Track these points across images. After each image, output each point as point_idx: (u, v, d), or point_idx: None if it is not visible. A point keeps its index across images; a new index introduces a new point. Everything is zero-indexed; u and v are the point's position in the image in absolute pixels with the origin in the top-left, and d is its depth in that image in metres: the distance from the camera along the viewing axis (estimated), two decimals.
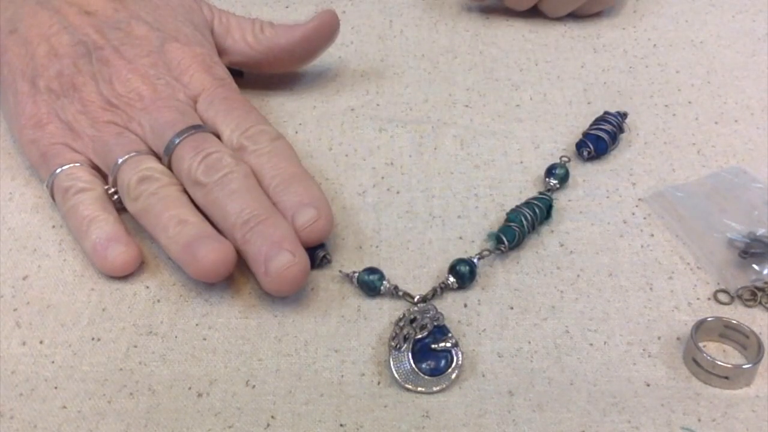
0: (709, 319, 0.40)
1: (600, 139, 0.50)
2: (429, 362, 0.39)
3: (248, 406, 0.38)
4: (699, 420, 0.37)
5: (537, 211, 0.45)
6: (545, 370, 0.39)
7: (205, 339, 0.41)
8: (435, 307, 0.41)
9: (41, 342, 0.41)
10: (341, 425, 0.37)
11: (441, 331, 0.40)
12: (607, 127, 0.51)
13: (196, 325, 0.41)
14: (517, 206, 0.46)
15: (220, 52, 0.53)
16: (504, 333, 0.41)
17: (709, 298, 0.42)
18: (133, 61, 0.48)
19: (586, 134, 0.51)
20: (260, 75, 0.58)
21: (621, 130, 0.51)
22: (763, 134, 0.52)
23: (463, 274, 0.43)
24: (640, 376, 0.39)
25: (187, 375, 0.39)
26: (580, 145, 0.50)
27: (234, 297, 0.43)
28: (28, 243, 0.46)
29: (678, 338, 0.40)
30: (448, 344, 0.39)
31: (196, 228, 0.42)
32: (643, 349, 0.40)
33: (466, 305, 0.42)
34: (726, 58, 0.60)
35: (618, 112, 0.52)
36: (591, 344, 0.40)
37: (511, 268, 0.44)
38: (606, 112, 0.52)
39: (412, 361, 0.39)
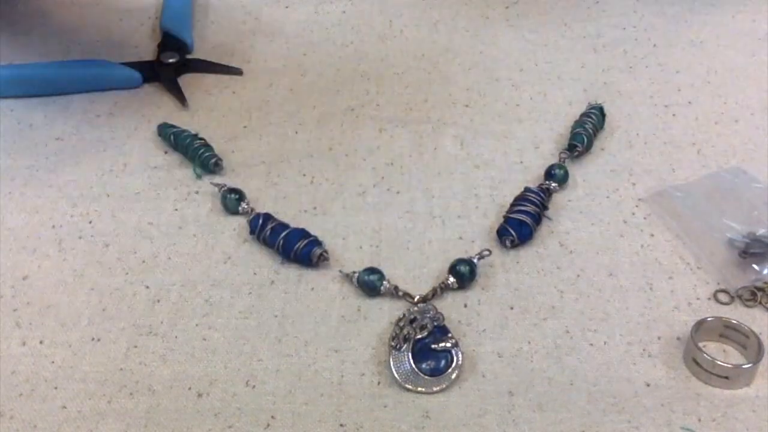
0: (709, 319, 0.40)
1: (523, 224, 0.45)
2: (429, 362, 0.39)
3: (248, 406, 0.38)
4: (699, 420, 0.37)
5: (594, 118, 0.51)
6: (545, 370, 0.39)
7: (205, 339, 0.41)
8: (435, 307, 0.41)
9: (41, 342, 0.41)
10: (341, 425, 0.37)
11: (441, 331, 0.40)
12: (530, 207, 0.45)
13: (196, 325, 0.41)
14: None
15: None
16: (504, 333, 0.41)
17: (709, 298, 0.42)
18: None
19: (507, 219, 0.45)
20: (260, 75, 0.58)
21: (545, 207, 0.46)
22: (763, 134, 0.52)
23: (463, 274, 0.43)
24: (640, 376, 0.39)
25: (187, 375, 0.39)
26: (502, 233, 0.45)
27: (234, 297, 0.43)
28: (28, 243, 0.46)
29: (678, 338, 0.40)
30: (448, 344, 0.39)
31: None
32: (643, 349, 0.40)
33: (466, 305, 0.42)
34: (726, 58, 0.60)
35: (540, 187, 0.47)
36: (591, 344, 0.40)
37: (511, 268, 0.44)
38: (527, 188, 0.47)
39: (412, 361, 0.39)
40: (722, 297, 0.42)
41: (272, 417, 0.37)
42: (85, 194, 0.49)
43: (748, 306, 0.42)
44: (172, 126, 0.52)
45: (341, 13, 0.64)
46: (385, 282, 0.42)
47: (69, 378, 0.39)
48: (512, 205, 0.46)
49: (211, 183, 0.49)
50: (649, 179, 0.49)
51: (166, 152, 0.52)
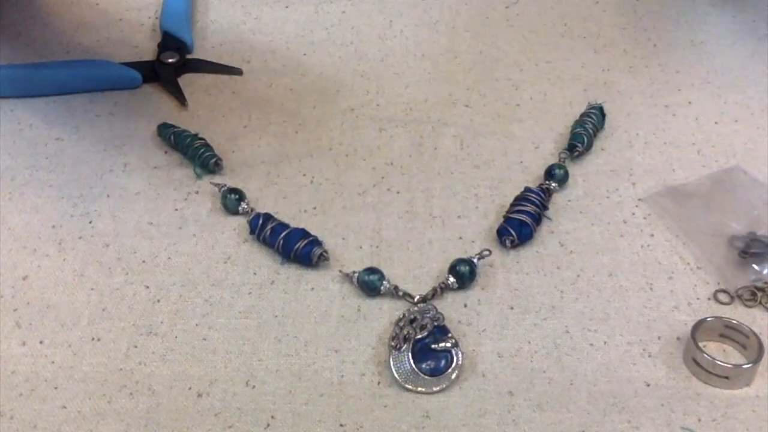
0: (709, 319, 0.40)
1: (523, 224, 0.45)
2: (429, 362, 0.39)
3: (248, 406, 0.38)
4: (699, 420, 0.37)
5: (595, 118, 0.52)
6: (545, 370, 0.39)
7: (205, 339, 0.41)
8: (435, 307, 0.41)
9: (41, 342, 0.41)
10: (341, 425, 0.37)
11: (441, 331, 0.40)
12: (530, 207, 0.45)
13: (196, 325, 0.41)
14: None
15: None
16: (504, 333, 0.41)
17: (709, 298, 0.42)
18: None
19: (507, 218, 0.45)
20: (260, 75, 0.58)
21: (545, 207, 0.46)
22: (763, 134, 0.52)
23: (463, 274, 0.43)
24: (640, 376, 0.39)
25: (187, 375, 0.39)
26: (502, 233, 0.45)
27: (234, 297, 0.43)
28: (28, 243, 0.46)
29: (678, 338, 0.40)
30: (448, 344, 0.39)
31: None
32: (643, 349, 0.40)
33: (466, 305, 0.42)
34: (726, 58, 0.60)
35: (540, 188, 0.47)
36: (591, 344, 0.40)
37: (511, 268, 0.44)
38: (527, 189, 0.47)
39: (412, 361, 0.39)
40: (722, 297, 0.42)
41: (272, 417, 0.37)
42: (85, 194, 0.49)
43: (748, 306, 0.42)
44: (172, 126, 0.52)
45: (341, 13, 0.64)
46: (385, 282, 0.42)
47: (69, 378, 0.39)
48: (512, 205, 0.46)
49: (211, 183, 0.49)
50: (649, 179, 0.49)
51: (166, 152, 0.52)
